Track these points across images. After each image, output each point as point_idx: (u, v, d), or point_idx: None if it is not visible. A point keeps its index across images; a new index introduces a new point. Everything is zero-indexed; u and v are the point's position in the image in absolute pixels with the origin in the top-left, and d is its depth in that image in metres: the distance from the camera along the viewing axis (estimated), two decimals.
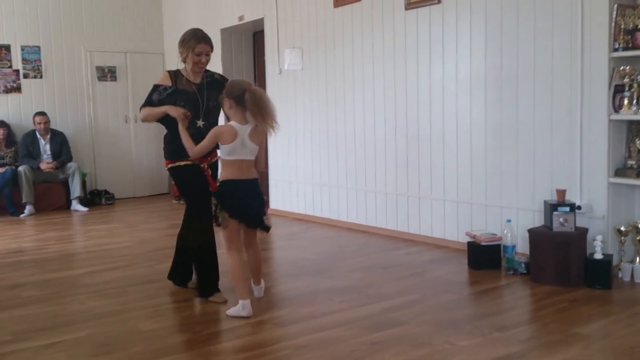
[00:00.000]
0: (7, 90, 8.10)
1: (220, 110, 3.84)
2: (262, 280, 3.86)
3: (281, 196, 7.13)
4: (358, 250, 5.15)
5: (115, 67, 8.83)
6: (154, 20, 9.13)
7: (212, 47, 3.82)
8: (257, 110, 3.38)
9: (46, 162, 7.74)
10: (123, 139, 8.78)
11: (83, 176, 8.08)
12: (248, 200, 3.53)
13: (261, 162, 3.66)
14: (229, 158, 3.46)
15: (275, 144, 7.14)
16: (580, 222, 4.10)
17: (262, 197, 3.68)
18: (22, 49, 8.18)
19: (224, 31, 7.88)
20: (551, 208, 4.00)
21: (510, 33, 4.55)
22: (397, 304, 3.62)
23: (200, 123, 3.76)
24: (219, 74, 3.99)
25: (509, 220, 4.43)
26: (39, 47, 8.29)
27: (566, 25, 4.20)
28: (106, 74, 8.79)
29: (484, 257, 4.37)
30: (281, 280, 4.41)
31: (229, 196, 3.46)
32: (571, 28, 4.17)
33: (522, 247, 4.41)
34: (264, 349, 2.98)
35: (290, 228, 6.26)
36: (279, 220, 6.78)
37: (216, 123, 3.84)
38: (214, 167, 3.83)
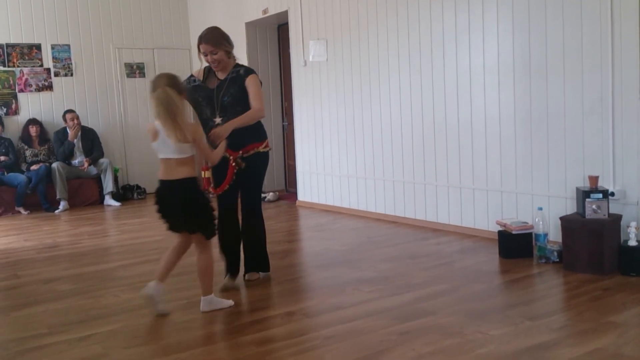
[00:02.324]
0: (39, 89, 8.27)
1: (237, 105, 3.74)
2: (203, 297, 3.45)
3: (309, 188, 7.14)
4: (386, 240, 5.13)
5: (143, 63, 8.94)
6: (180, 16, 9.20)
7: (215, 46, 3.68)
8: (155, 113, 3.21)
9: (82, 161, 7.88)
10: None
11: (115, 172, 8.22)
12: (167, 201, 3.35)
13: (209, 158, 3.44)
14: (158, 157, 3.34)
15: (302, 136, 7.15)
16: (614, 208, 4.02)
17: (189, 199, 3.31)
18: (53, 48, 8.33)
19: (249, 25, 7.91)
20: (584, 195, 3.93)
21: (539, 20, 4.47)
22: (427, 294, 3.60)
23: (218, 120, 3.74)
24: (246, 68, 3.89)
25: (540, 208, 4.36)
26: (68, 45, 8.44)
27: (595, 11, 4.10)
28: (135, 70, 8.90)
29: (515, 245, 4.32)
30: (310, 271, 4.42)
31: (156, 196, 3.40)
32: (600, 14, 4.07)
33: (554, 235, 4.35)
34: (293, 339, 3.00)
35: (318, 219, 6.27)
36: (306, 211, 6.80)
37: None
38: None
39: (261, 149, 3.87)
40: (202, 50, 3.73)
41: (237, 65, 3.85)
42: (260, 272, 4.09)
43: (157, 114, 3.20)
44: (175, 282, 4.09)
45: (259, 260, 4.06)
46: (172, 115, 3.13)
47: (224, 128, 3.58)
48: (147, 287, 3.41)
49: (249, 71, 3.83)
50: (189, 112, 3.44)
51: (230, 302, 3.52)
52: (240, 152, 3.79)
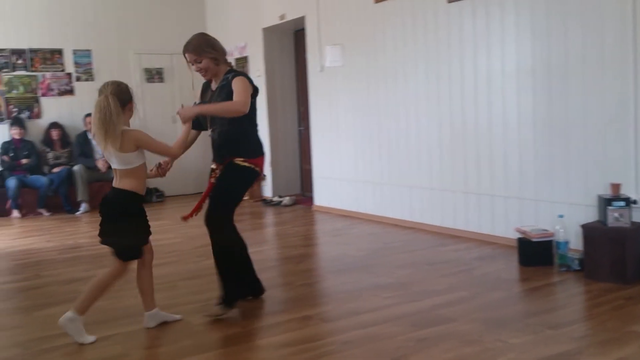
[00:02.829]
0: (61, 93, 8.39)
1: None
2: (70, 311, 3.12)
3: (325, 192, 7.14)
4: (403, 246, 5.11)
5: (162, 68, 9.03)
6: (197, 21, 9.27)
7: (197, 54, 3.43)
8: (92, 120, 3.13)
9: (101, 160, 7.94)
10: (171, 139, 8.84)
11: None
12: (101, 210, 3.24)
13: (167, 153, 3.35)
14: None
15: (318, 141, 7.16)
16: (637, 216, 3.96)
17: (116, 212, 3.15)
18: (74, 53, 8.45)
19: (266, 30, 7.95)
20: (605, 202, 3.88)
21: (559, 24, 4.43)
22: (445, 300, 3.58)
23: (209, 133, 3.57)
24: (236, 73, 3.49)
25: (561, 216, 4.32)
26: (90, 50, 8.55)
27: (617, 15, 4.06)
28: (154, 75, 8.99)
29: (535, 253, 4.28)
30: (326, 276, 4.42)
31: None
32: (622, 18, 4.03)
33: (575, 243, 4.29)
34: (310, 344, 3.00)
35: (335, 224, 6.27)
36: (323, 216, 6.80)
37: (227, 128, 3.46)
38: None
39: (239, 161, 3.45)
40: (187, 60, 3.50)
41: (229, 71, 3.52)
42: (220, 305, 3.44)
43: (92, 121, 3.14)
44: (192, 285, 4.11)
45: (222, 288, 3.48)
46: (105, 123, 3.02)
47: (189, 109, 3.36)
48: (145, 322, 3.32)
49: (237, 74, 3.46)
50: (128, 121, 3.20)
51: (92, 339, 3.11)
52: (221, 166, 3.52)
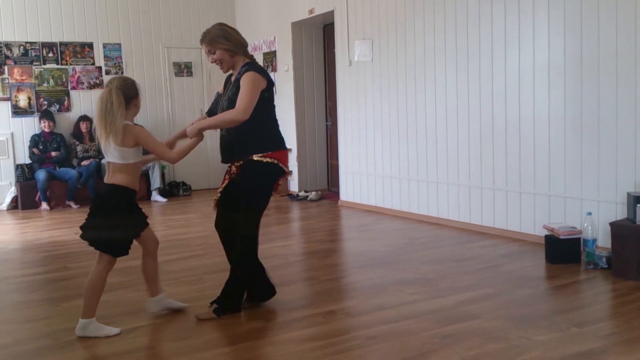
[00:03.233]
0: (91, 86, 8.51)
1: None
2: (81, 319, 3.18)
3: (352, 188, 7.13)
4: (429, 242, 5.09)
5: (191, 62, 9.10)
6: (226, 15, 9.31)
7: (211, 44, 3.35)
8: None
9: None
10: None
11: (162, 168, 8.40)
12: (93, 203, 3.29)
13: (163, 157, 3.28)
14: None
15: (345, 136, 7.15)
16: None
17: (105, 205, 3.18)
18: (104, 47, 8.57)
19: (295, 25, 7.95)
20: (635, 200, 3.81)
21: (591, 20, 4.35)
22: (470, 297, 3.55)
23: (221, 131, 3.47)
24: (250, 66, 3.34)
25: (589, 213, 4.25)
26: (119, 44, 8.66)
27: None
28: (183, 69, 9.07)
29: (562, 250, 4.22)
30: (352, 271, 4.42)
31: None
32: None
33: (603, 241, 4.23)
34: (335, 338, 3.01)
35: (361, 220, 6.26)
36: (349, 211, 6.80)
37: (241, 125, 3.31)
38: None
39: (255, 157, 3.29)
40: (204, 51, 3.45)
41: (246, 64, 3.37)
42: (213, 304, 3.41)
43: (95, 113, 3.19)
44: (218, 279, 4.13)
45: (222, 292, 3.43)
46: (104, 115, 3.05)
47: (193, 127, 3.31)
48: (149, 307, 3.42)
49: (249, 69, 3.29)
50: (133, 117, 3.25)
51: (116, 330, 3.16)
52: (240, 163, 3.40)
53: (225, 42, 3.35)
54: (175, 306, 3.48)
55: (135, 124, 3.20)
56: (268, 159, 3.30)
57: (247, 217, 3.32)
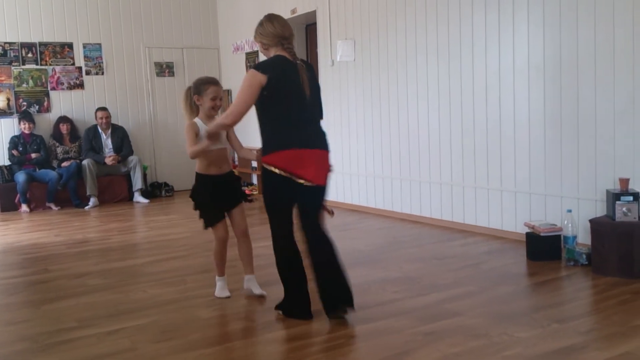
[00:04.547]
0: (71, 87, 8.43)
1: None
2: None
3: (334, 187, 7.14)
4: (412, 241, 5.11)
5: (172, 62, 9.04)
6: (208, 16, 9.28)
7: (255, 38, 3.36)
8: None
9: (109, 157, 8.01)
10: (181, 133, 8.88)
11: (144, 169, 8.34)
12: None
13: (188, 149, 3.59)
14: None
15: (328, 135, 7.11)
16: None
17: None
18: (84, 47, 8.48)
19: None
20: (614, 197, 3.87)
21: (570, 20, 4.40)
22: (453, 295, 3.58)
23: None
24: (255, 65, 3.30)
25: (569, 210, 4.30)
26: (100, 44, 8.58)
27: (628, 10, 4.03)
28: (164, 69, 9.01)
29: (543, 248, 4.27)
30: None
31: None
32: (633, 14, 4.00)
33: (583, 237, 4.29)
34: (318, 337, 3.01)
35: (344, 219, 6.27)
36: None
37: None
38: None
39: (263, 163, 3.20)
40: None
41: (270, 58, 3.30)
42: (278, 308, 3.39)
43: None
44: (201, 280, 4.14)
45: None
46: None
47: (204, 130, 3.46)
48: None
49: (253, 66, 3.35)
50: (193, 113, 3.66)
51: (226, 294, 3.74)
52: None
53: (258, 35, 3.31)
54: (256, 293, 3.71)
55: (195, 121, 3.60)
56: (265, 164, 3.18)
57: (269, 219, 3.34)
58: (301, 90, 3.17)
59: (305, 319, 3.21)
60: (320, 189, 3.28)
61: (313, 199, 3.27)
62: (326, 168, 3.32)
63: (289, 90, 3.16)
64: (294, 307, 3.28)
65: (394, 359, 2.70)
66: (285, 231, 3.28)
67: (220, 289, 3.73)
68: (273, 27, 3.25)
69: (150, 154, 8.93)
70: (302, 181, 3.13)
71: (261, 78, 3.10)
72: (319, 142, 3.32)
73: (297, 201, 3.25)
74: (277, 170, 3.14)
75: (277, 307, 3.37)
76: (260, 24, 3.30)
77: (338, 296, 3.19)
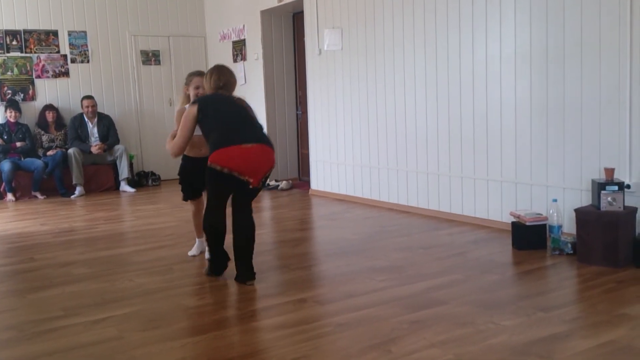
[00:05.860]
0: (56, 75, 8.34)
1: None
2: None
3: (322, 177, 7.14)
4: (399, 230, 5.13)
5: (159, 51, 8.96)
6: (195, 3, 9.20)
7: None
8: None
9: (95, 146, 7.95)
10: (168, 122, 8.91)
11: (130, 158, 8.28)
12: None
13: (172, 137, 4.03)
14: None
15: (316, 125, 7.15)
16: (629, 201, 3.98)
17: None
18: (69, 35, 8.38)
19: (264, 13, 7.89)
20: (599, 187, 3.90)
21: (557, 8, 4.42)
22: (439, 283, 3.60)
23: None
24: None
25: (555, 200, 4.34)
26: (85, 32, 8.48)
27: (614, 0, 4.05)
28: (150, 57, 8.93)
29: (528, 237, 4.30)
30: (322, 259, 4.43)
31: None
32: (619, 3, 4.02)
33: (569, 227, 4.32)
34: (305, 326, 3.02)
35: (331, 208, 6.28)
36: (319, 200, 6.81)
37: None
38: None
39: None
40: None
41: None
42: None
43: None
44: (187, 269, 4.13)
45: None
46: None
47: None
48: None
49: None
50: (184, 100, 4.20)
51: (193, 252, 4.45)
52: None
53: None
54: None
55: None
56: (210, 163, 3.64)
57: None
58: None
59: (214, 276, 3.87)
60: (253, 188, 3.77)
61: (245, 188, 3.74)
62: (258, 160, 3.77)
63: (208, 114, 3.72)
64: (211, 264, 3.89)
65: (380, 347, 2.71)
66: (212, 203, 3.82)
67: (196, 248, 4.44)
68: (208, 83, 3.84)
69: (137, 143, 8.87)
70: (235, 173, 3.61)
71: (192, 110, 3.72)
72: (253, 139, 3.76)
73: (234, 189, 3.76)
74: (213, 167, 3.61)
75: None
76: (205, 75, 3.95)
77: (244, 274, 3.73)
